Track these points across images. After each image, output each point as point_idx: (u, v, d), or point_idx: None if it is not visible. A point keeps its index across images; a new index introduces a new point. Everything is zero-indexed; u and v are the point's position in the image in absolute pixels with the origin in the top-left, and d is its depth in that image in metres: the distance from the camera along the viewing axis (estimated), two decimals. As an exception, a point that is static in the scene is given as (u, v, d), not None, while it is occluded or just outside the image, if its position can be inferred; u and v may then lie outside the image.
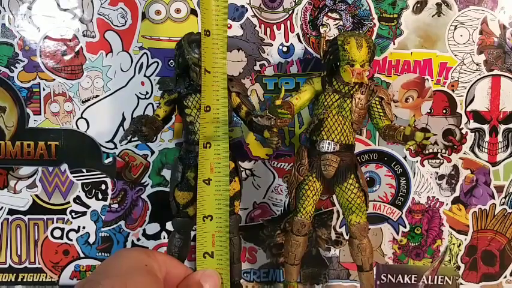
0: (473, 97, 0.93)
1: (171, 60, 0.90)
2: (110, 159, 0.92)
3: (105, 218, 0.94)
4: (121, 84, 0.90)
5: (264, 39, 0.91)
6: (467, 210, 0.96)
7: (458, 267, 0.97)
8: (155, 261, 0.43)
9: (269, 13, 0.90)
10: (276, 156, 0.93)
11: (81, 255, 0.94)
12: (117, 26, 0.89)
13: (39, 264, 0.94)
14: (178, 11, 0.89)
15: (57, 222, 0.93)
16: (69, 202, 0.93)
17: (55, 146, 0.91)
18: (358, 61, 0.75)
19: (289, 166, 0.93)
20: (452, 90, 0.93)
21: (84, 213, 0.93)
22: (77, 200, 0.93)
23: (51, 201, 0.93)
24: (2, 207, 0.92)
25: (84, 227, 0.94)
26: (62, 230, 0.93)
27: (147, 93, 0.91)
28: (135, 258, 0.42)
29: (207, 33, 0.52)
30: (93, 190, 0.93)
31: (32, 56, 0.89)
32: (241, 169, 0.91)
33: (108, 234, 0.94)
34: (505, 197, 0.96)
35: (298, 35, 0.91)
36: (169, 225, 0.94)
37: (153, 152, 0.92)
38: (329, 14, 0.91)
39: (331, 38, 0.86)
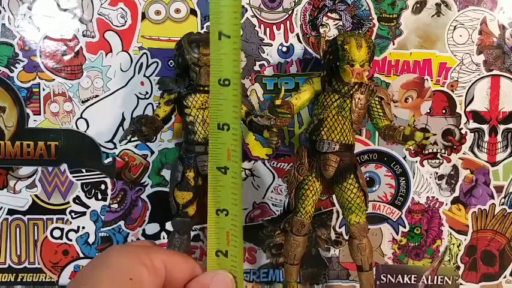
0: (473, 97, 0.93)
1: (171, 60, 0.90)
2: (110, 159, 0.92)
3: (104, 218, 0.93)
4: (121, 84, 0.90)
5: (263, 39, 0.91)
6: (466, 210, 0.96)
7: (458, 268, 0.97)
8: (150, 264, 0.37)
9: (269, 13, 0.90)
10: (275, 156, 0.93)
11: (81, 255, 0.94)
12: (117, 26, 0.89)
13: (38, 264, 0.94)
14: (178, 11, 0.90)
15: (56, 222, 0.93)
16: (68, 202, 0.93)
17: (55, 146, 0.91)
18: (358, 61, 0.75)
19: (288, 166, 0.93)
20: (452, 91, 0.93)
21: (83, 213, 0.93)
22: (77, 200, 0.93)
23: (50, 201, 0.93)
24: (2, 207, 0.92)
25: (83, 227, 0.93)
26: (62, 230, 0.93)
27: (147, 93, 0.91)
28: (120, 269, 0.35)
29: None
30: (93, 190, 0.93)
31: (32, 56, 0.89)
32: (241, 169, 0.91)
33: (107, 235, 0.94)
34: (504, 197, 0.96)
35: (297, 35, 0.91)
36: (168, 225, 0.94)
37: (152, 152, 0.92)
38: (328, 14, 0.91)
39: (331, 38, 0.86)
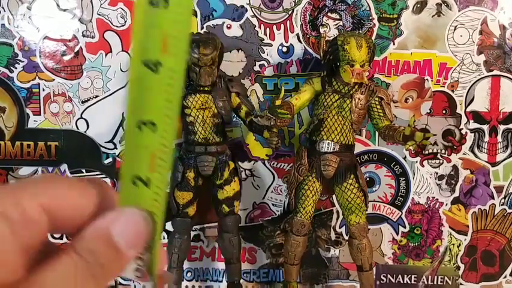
0: (473, 97, 0.93)
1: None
2: (110, 159, 0.92)
3: (104, 218, 0.93)
4: (120, 85, 0.90)
5: (263, 40, 0.90)
6: (466, 210, 0.96)
7: (458, 268, 0.97)
8: (16, 215, 0.25)
9: (269, 13, 0.90)
10: (275, 157, 0.93)
11: (81, 255, 0.94)
12: (117, 26, 0.89)
13: (38, 264, 0.94)
14: (178, 11, 0.89)
15: (56, 222, 0.93)
16: (68, 202, 0.92)
17: (55, 147, 0.91)
18: (358, 61, 0.75)
19: (288, 166, 0.93)
20: (452, 91, 0.93)
21: (83, 214, 0.93)
22: (77, 200, 0.92)
23: (50, 202, 0.92)
24: (2, 208, 0.92)
25: (83, 227, 0.93)
26: (62, 230, 0.93)
27: (147, 93, 0.90)
28: None
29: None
30: (93, 190, 0.92)
31: (32, 56, 0.89)
32: (241, 169, 0.91)
33: (107, 235, 0.94)
34: (504, 197, 0.96)
35: (297, 35, 0.90)
36: (169, 225, 0.93)
37: (152, 152, 0.92)
38: (329, 14, 0.90)
39: (331, 38, 0.86)
